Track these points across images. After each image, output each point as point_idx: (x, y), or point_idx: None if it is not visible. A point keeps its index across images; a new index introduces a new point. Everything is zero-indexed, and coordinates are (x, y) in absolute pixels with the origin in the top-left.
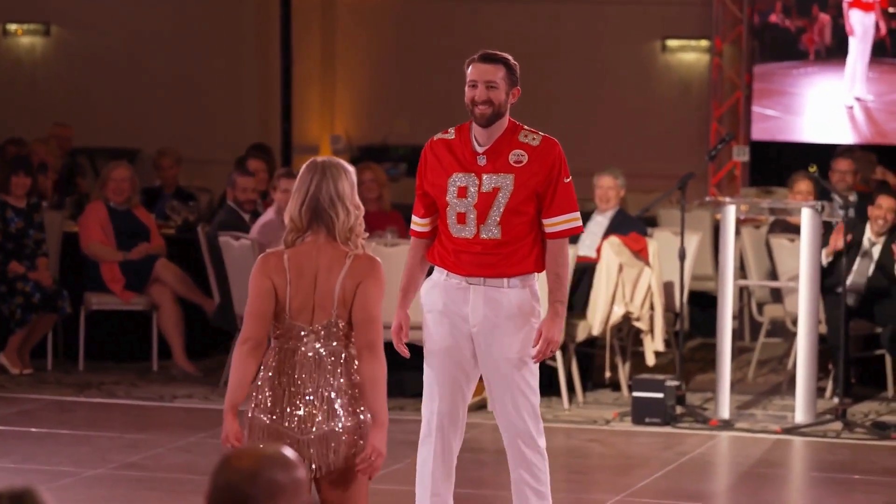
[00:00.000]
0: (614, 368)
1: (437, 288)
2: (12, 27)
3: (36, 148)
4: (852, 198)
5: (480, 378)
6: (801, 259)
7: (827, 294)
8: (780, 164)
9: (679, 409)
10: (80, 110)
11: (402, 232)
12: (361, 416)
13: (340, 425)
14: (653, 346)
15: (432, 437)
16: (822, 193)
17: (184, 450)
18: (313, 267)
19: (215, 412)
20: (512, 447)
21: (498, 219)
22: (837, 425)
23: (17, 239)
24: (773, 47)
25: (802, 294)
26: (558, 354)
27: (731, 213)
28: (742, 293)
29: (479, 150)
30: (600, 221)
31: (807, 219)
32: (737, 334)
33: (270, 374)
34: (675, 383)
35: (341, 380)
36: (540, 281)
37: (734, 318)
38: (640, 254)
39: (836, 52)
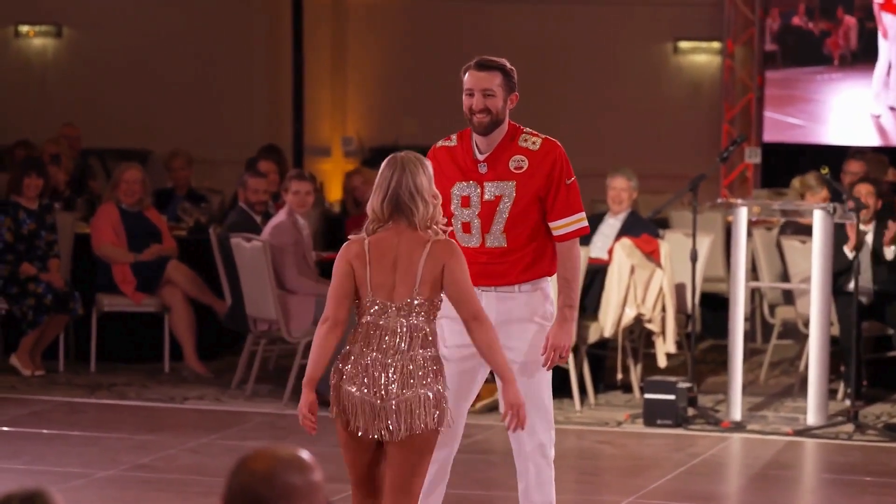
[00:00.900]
0: (626, 370)
1: None
2: (24, 29)
3: (48, 147)
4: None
5: (488, 379)
6: (813, 261)
7: (839, 295)
8: (792, 166)
9: (691, 411)
10: (91, 112)
11: None
12: (438, 388)
13: (418, 394)
14: (664, 347)
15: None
16: (835, 195)
17: (195, 451)
18: (394, 250)
19: (227, 413)
20: (520, 457)
21: (502, 227)
22: (849, 427)
23: (30, 240)
24: (796, 51)
25: (814, 296)
26: (571, 357)
27: (742, 215)
28: (754, 295)
29: (480, 157)
30: (612, 224)
31: (819, 220)
32: (748, 336)
33: (355, 347)
34: (686, 385)
35: (420, 352)
36: (553, 283)
37: (746, 319)
38: (652, 255)
39: (862, 56)
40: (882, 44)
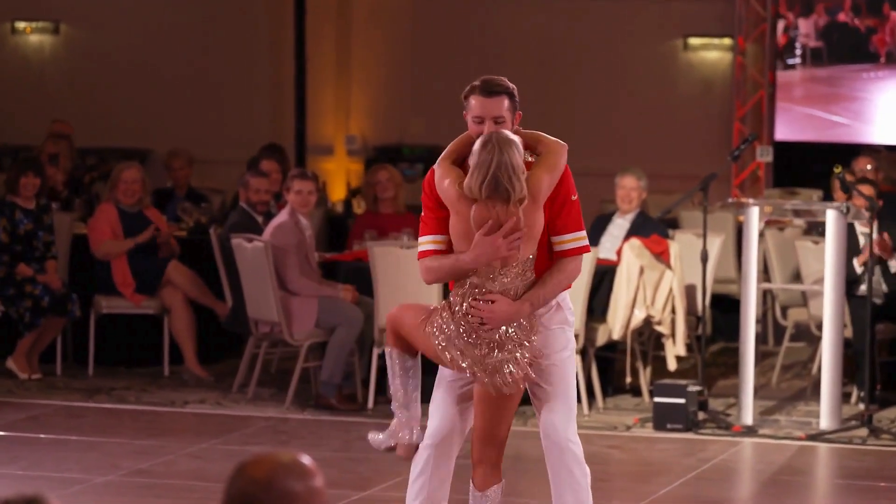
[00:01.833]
0: (635, 373)
1: None
2: (21, 25)
3: (46, 147)
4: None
5: None
6: (826, 262)
7: (852, 296)
8: (805, 164)
9: (701, 415)
10: (90, 110)
11: (417, 233)
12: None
13: (520, 348)
14: (674, 350)
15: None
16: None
17: (195, 456)
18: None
19: (228, 418)
20: (550, 457)
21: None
22: (863, 431)
23: (27, 241)
24: (841, 48)
25: (827, 297)
26: (578, 360)
27: (754, 215)
28: (766, 296)
29: None
30: (621, 224)
31: (832, 220)
32: (760, 338)
33: (460, 300)
34: (697, 388)
35: None
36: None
37: (757, 321)
38: (662, 256)
39: None
40: None
